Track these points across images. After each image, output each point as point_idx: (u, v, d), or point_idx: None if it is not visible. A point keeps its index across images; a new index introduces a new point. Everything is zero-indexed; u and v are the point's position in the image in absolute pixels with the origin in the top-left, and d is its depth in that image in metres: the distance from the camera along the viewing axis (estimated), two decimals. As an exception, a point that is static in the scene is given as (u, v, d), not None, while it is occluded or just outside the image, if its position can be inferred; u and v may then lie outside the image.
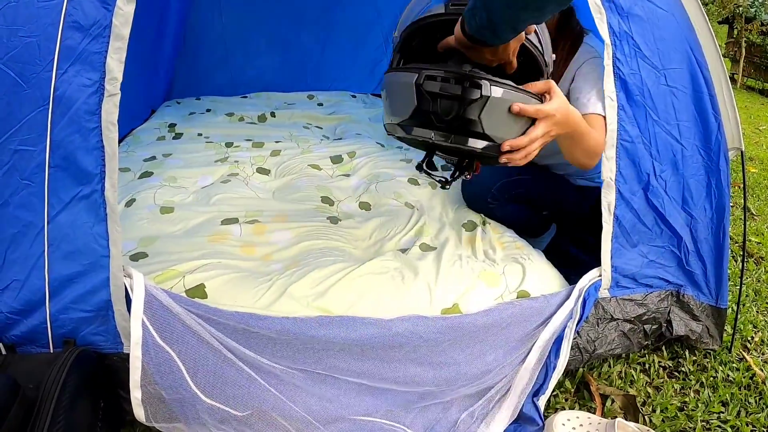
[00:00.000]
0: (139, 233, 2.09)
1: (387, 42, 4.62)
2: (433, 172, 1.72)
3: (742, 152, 2.10)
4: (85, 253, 1.50)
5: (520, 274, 1.93)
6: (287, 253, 2.00)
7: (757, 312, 2.56)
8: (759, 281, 2.86)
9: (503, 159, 1.51)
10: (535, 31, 1.56)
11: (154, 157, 2.88)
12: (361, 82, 4.68)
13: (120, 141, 3.23)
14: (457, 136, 1.43)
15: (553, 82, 1.57)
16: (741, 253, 2.47)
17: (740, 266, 2.33)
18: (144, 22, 3.38)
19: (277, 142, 3.17)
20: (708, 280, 2.05)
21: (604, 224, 1.86)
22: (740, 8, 13.73)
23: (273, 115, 3.75)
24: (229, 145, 3.08)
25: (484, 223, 2.31)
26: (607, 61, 1.75)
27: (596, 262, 1.94)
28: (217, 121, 3.61)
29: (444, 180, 1.72)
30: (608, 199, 1.84)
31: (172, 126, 3.47)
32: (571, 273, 2.01)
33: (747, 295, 2.67)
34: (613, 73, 1.76)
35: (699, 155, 1.95)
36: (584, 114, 1.85)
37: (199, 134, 3.31)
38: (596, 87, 1.92)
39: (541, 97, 1.54)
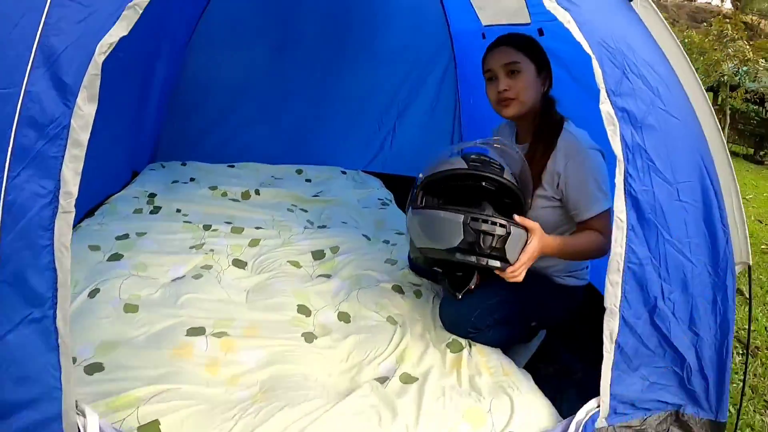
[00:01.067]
0: (98, 335, 1.94)
1: (381, 120, 4.56)
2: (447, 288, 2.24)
3: (749, 267, 2.01)
4: (36, 381, 1.36)
5: (508, 410, 1.80)
6: (256, 376, 1.84)
7: (754, 411, 2.47)
8: (756, 375, 2.74)
9: (509, 272, 1.92)
10: (514, 173, 2.08)
11: (126, 235, 2.73)
12: (353, 158, 4.57)
13: (96, 208, 3.08)
14: (488, 259, 1.89)
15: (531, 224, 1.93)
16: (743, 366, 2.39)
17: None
18: (126, 84, 3.27)
19: (257, 228, 3.01)
20: (709, 396, 1.94)
21: (605, 353, 1.75)
22: (725, 77, 13.97)
23: (258, 192, 3.60)
24: (207, 227, 2.93)
25: (470, 345, 2.17)
26: (619, 178, 1.67)
27: (590, 368, 1.86)
28: (199, 194, 3.47)
29: (455, 294, 2.17)
30: (610, 327, 1.73)
31: (151, 197, 3.33)
32: (565, 382, 2.05)
33: (743, 393, 2.50)
34: (624, 190, 1.67)
35: (707, 272, 1.85)
36: (584, 220, 2.08)
37: (178, 210, 3.16)
38: (587, 187, 2.06)
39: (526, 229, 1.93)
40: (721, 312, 1.88)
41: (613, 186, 1.76)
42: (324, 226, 3.23)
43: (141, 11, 1.40)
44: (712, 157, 1.88)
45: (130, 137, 3.66)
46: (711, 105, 1.94)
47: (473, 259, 1.89)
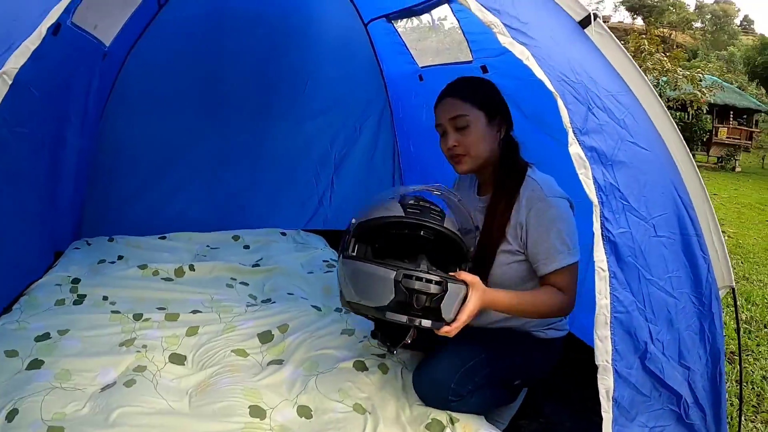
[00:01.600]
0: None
1: (317, 175, 4.36)
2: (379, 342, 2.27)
3: (733, 289, 1.96)
4: None
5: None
6: None
7: (745, 419, 2.52)
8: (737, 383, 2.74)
9: (443, 331, 1.80)
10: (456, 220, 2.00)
11: (47, 335, 2.41)
12: (291, 218, 4.35)
13: (13, 302, 2.74)
14: (421, 319, 1.76)
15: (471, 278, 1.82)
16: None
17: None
18: (34, 159, 2.98)
19: (194, 312, 2.73)
20: (708, 424, 1.89)
21: (603, 413, 1.64)
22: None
23: (192, 268, 3.30)
24: (138, 317, 2.62)
25: (452, 422, 1.97)
26: (596, 225, 1.59)
27: (577, 418, 2.00)
28: (128, 275, 3.15)
29: (390, 348, 2.20)
30: (606, 384, 1.63)
31: (75, 283, 3.00)
32: None
33: (741, 411, 2.48)
34: (602, 237, 1.59)
35: (691, 303, 1.81)
36: (544, 275, 1.96)
37: (105, 298, 2.84)
38: (548, 238, 1.94)
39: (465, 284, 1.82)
40: (709, 340, 1.85)
41: (583, 237, 1.75)
42: (269, 300, 2.97)
43: (10, 81, 1.14)
44: (683, 182, 1.83)
45: (46, 215, 3.33)
46: (675, 125, 1.86)
47: (404, 319, 1.77)
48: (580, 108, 1.62)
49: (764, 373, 3.13)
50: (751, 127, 25.85)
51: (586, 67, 1.68)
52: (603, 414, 1.65)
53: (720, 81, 21.24)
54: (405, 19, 3.58)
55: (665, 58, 17.20)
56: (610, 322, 1.61)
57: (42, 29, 1.23)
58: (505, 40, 1.61)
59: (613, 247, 1.61)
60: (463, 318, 1.79)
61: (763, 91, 28.01)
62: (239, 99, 4.09)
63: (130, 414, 1.91)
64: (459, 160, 2.08)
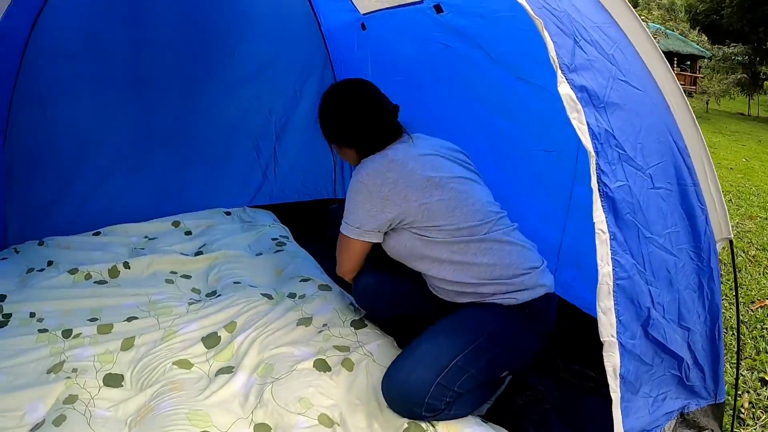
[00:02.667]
0: None
1: (258, 147, 4.07)
2: None
3: (730, 241, 1.86)
4: None
5: None
6: None
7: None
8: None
9: None
10: None
11: (-34, 370, 2.09)
12: (233, 195, 4.04)
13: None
14: None
15: None
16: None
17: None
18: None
19: (129, 319, 2.44)
20: (707, 384, 1.86)
21: (612, 393, 1.51)
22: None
23: (127, 266, 2.98)
24: (67, 334, 2.32)
25: (433, 424, 1.79)
26: (593, 179, 1.42)
27: (563, 390, 2.01)
28: (57, 284, 2.82)
29: None
30: (612, 361, 1.49)
31: (0, 300, 2.67)
32: (542, 411, 2.00)
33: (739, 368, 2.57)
34: (600, 193, 1.42)
35: (690, 260, 1.72)
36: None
37: (32, 314, 2.52)
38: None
39: None
40: (708, 297, 1.78)
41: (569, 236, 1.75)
42: (214, 293, 2.71)
43: None
44: (678, 128, 1.68)
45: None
46: (667, 63, 1.68)
47: None
48: (566, 40, 1.43)
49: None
50: (695, 73, 27.85)
51: (567, -5, 1.49)
52: (612, 394, 1.51)
53: (663, 29, 21.33)
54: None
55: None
56: (613, 291, 1.46)
57: None
58: None
59: (611, 204, 1.45)
60: None
61: (705, 38, 28.65)
62: (162, 72, 3.70)
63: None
64: None
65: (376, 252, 2.13)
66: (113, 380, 2.05)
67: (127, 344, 2.24)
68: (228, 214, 3.82)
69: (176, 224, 3.64)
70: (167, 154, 3.83)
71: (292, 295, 2.59)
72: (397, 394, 1.81)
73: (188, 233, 3.54)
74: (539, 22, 1.38)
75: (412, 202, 1.90)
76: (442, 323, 1.94)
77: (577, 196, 2.31)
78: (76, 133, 3.56)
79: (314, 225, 3.87)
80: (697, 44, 28.21)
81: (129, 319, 2.44)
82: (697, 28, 28.41)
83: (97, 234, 3.51)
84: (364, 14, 3.35)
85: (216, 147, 3.94)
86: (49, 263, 3.10)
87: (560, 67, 1.39)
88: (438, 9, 2.57)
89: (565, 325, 2.16)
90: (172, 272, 2.97)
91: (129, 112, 3.68)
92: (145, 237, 3.47)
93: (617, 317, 1.47)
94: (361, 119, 2.08)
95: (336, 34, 3.90)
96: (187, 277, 2.93)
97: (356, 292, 2.33)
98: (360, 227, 2.00)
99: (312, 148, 4.14)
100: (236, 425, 1.80)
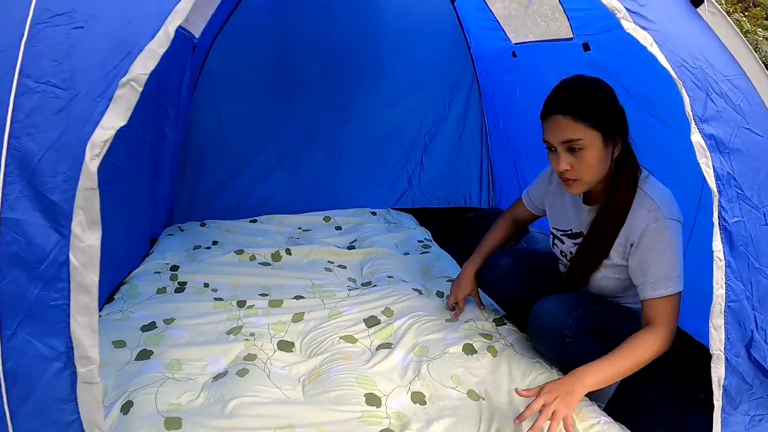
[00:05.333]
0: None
1: (408, 154, 4.32)
2: None
3: None
4: None
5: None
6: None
7: None
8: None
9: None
10: None
11: (153, 324, 2.40)
12: (380, 198, 4.29)
13: (114, 291, 2.76)
14: None
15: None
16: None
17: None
18: (140, 155, 3.01)
19: (297, 298, 2.68)
20: None
21: (715, 401, 1.67)
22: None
23: (289, 252, 3.26)
24: (241, 304, 2.60)
25: None
26: (715, 215, 1.61)
27: (669, 399, 2.08)
28: (225, 261, 3.13)
29: None
30: (718, 373, 1.66)
31: (174, 270, 2.99)
32: (648, 420, 2.05)
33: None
34: (720, 226, 1.61)
35: None
36: (647, 299, 1.83)
37: (206, 285, 2.82)
38: (661, 263, 1.81)
39: None
40: None
41: (686, 260, 1.79)
42: (369, 283, 2.91)
43: (140, 89, 1.06)
44: None
45: (147, 208, 3.37)
46: None
47: None
48: (699, 94, 1.60)
49: None
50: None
51: (702, 50, 1.66)
52: (714, 402, 1.67)
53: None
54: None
55: (744, 18, 16.54)
56: (724, 312, 1.62)
57: (169, 30, 1.15)
58: (629, 25, 1.58)
59: (727, 236, 1.62)
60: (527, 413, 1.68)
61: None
62: (326, 85, 4.05)
63: (246, 404, 1.88)
64: (570, 184, 1.92)
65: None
66: (285, 346, 2.29)
67: (298, 318, 2.48)
68: (374, 214, 4.06)
69: (327, 219, 3.91)
70: (324, 157, 4.15)
71: (439, 294, 2.76)
72: (547, 313, 2.04)
73: (338, 228, 3.79)
74: (679, 83, 1.57)
75: None
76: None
77: (698, 225, 2.40)
78: (244, 133, 3.98)
79: (451, 231, 4.04)
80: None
81: (296, 298, 2.68)
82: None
83: (254, 221, 3.84)
84: (515, 44, 3.53)
85: (369, 153, 4.23)
86: (214, 243, 3.42)
87: (693, 119, 1.57)
88: (585, 47, 2.76)
89: (674, 348, 2.20)
90: (329, 261, 3.20)
91: (294, 118, 4.04)
92: (299, 228, 3.74)
93: (726, 335, 1.63)
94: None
95: (486, 57, 4.09)
96: (343, 267, 3.15)
97: (497, 268, 2.38)
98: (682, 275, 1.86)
99: (455, 159, 4.36)
100: (396, 391, 2.00)
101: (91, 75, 1.08)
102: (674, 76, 1.57)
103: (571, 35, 2.88)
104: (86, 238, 0.97)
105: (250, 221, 3.84)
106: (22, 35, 1.11)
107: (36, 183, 1.00)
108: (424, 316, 2.46)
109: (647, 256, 1.83)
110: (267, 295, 2.73)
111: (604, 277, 2.03)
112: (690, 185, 2.26)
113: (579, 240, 2.11)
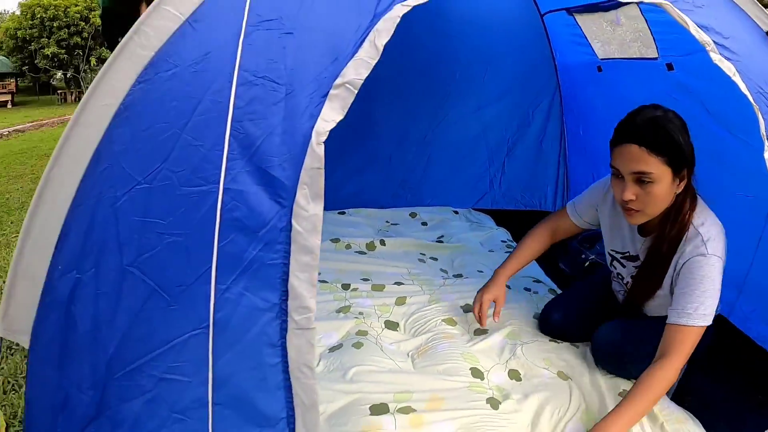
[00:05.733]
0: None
1: (491, 158, 4.50)
2: None
3: None
4: None
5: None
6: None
7: None
8: None
9: None
10: None
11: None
12: (462, 198, 4.49)
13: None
14: None
15: None
16: None
17: None
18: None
19: (397, 284, 2.91)
20: None
21: None
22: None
23: (383, 243, 3.49)
24: (346, 287, 2.85)
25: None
26: None
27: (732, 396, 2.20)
28: (323, 248, 3.32)
29: None
30: None
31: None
32: (710, 413, 2.07)
33: None
34: None
35: None
36: (672, 324, 1.86)
37: (310, 268, 3.04)
38: (692, 293, 1.85)
39: None
40: None
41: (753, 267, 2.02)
42: (459, 275, 3.11)
43: (355, 91, 1.28)
44: None
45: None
46: None
47: None
48: None
49: None
50: None
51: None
52: None
53: None
54: (588, 14, 3.61)
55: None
56: None
57: (377, 44, 1.41)
58: (716, 57, 1.72)
59: None
60: None
61: None
62: (421, 89, 4.25)
63: (366, 372, 2.12)
64: (632, 214, 1.94)
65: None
66: (392, 325, 2.52)
67: (401, 301, 2.71)
68: (456, 212, 4.25)
69: (413, 215, 4.14)
70: (414, 157, 4.38)
71: (527, 290, 2.95)
72: (611, 339, 2.21)
73: (424, 224, 4.01)
74: (756, 107, 1.74)
75: None
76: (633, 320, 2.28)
77: (766, 234, 2.54)
78: (339, 133, 4.14)
79: (526, 232, 4.19)
80: None
81: (396, 284, 2.91)
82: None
83: (342, 213, 4.07)
84: (601, 59, 3.69)
85: (455, 154, 4.42)
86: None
87: (767, 139, 1.76)
88: (669, 67, 2.92)
89: (739, 356, 2.26)
90: (421, 253, 3.42)
91: (390, 120, 4.29)
92: (387, 221, 3.96)
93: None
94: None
95: (570, 69, 4.24)
96: (435, 259, 3.36)
97: (549, 324, 2.51)
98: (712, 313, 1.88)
99: (534, 164, 4.51)
100: (495, 368, 2.22)
101: (304, 75, 1.31)
102: (752, 101, 1.73)
103: (656, 55, 3.06)
104: (310, 209, 1.19)
105: (338, 213, 4.07)
106: (239, 34, 1.34)
107: (257, 161, 1.22)
108: (514, 309, 2.66)
109: (683, 285, 1.88)
110: (368, 279, 2.96)
111: (659, 305, 2.14)
112: (759, 197, 2.42)
113: (638, 263, 2.16)
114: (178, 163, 1.21)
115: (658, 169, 1.81)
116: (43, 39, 28.74)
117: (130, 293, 1.20)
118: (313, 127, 1.26)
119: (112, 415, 1.24)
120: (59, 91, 30.65)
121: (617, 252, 2.27)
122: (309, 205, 1.19)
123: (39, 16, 28.58)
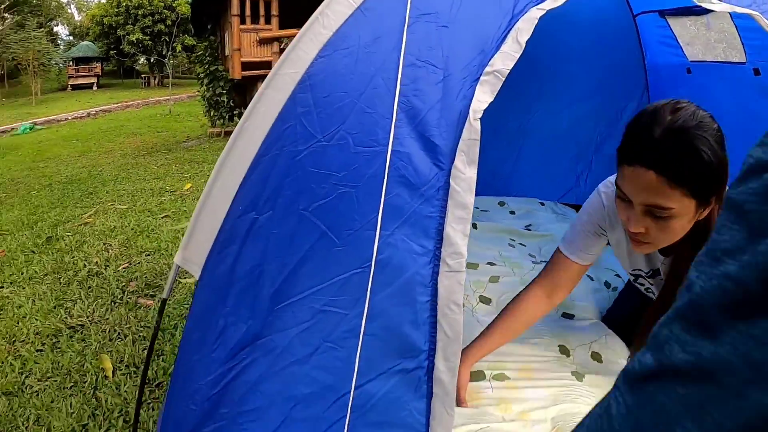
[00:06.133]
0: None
1: (580, 154, 4.64)
2: None
3: None
4: (398, 426, 1.41)
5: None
6: (544, 413, 1.95)
7: None
8: None
9: None
10: None
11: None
12: (548, 191, 4.65)
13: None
14: None
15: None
16: None
17: None
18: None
19: (490, 264, 3.11)
20: None
21: None
22: None
23: (474, 226, 3.68)
24: (441, 261, 3.02)
25: None
26: None
27: None
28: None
29: None
30: None
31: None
32: None
33: None
34: None
35: None
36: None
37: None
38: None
39: None
40: None
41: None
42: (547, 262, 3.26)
43: (503, 78, 1.49)
44: None
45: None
46: None
47: None
48: None
49: None
50: None
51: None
52: None
53: None
54: (680, 17, 3.72)
55: None
56: None
57: (520, 40, 1.59)
58: None
59: None
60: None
61: None
62: (516, 80, 4.28)
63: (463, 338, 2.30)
64: (639, 244, 1.60)
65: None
66: (485, 301, 2.73)
67: (494, 279, 2.92)
68: (542, 204, 4.42)
69: (501, 204, 4.33)
70: (506, 147, 4.57)
71: (606, 284, 3.11)
72: None
73: (512, 213, 4.20)
74: None
75: None
76: None
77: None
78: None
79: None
80: None
81: (489, 264, 3.12)
82: None
83: (435, 198, 4.24)
84: (691, 61, 3.79)
85: (546, 148, 4.59)
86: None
87: None
88: (756, 72, 3.02)
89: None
90: (511, 239, 3.62)
91: (487, 110, 4.36)
92: (477, 208, 4.15)
93: None
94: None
95: (660, 69, 4.33)
96: (523, 245, 3.55)
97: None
98: None
99: (619, 162, 4.62)
100: (579, 348, 2.40)
101: (457, 62, 1.52)
102: None
103: (744, 59, 3.16)
104: (467, 172, 1.41)
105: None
106: (403, 23, 1.56)
107: (421, 129, 1.44)
108: (596, 302, 2.84)
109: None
110: (464, 258, 3.13)
111: None
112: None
113: (661, 276, 1.98)
114: (353, 126, 1.43)
115: (679, 204, 1.40)
116: (128, 26, 30.17)
117: (302, 234, 1.42)
118: (467, 106, 1.46)
119: (265, 343, 1.46)
120: (143, 75, 32.43)
121: (641, 270, 2.07)
122: (466, 168, 1.40)
123: (124, 4, 29.91)
